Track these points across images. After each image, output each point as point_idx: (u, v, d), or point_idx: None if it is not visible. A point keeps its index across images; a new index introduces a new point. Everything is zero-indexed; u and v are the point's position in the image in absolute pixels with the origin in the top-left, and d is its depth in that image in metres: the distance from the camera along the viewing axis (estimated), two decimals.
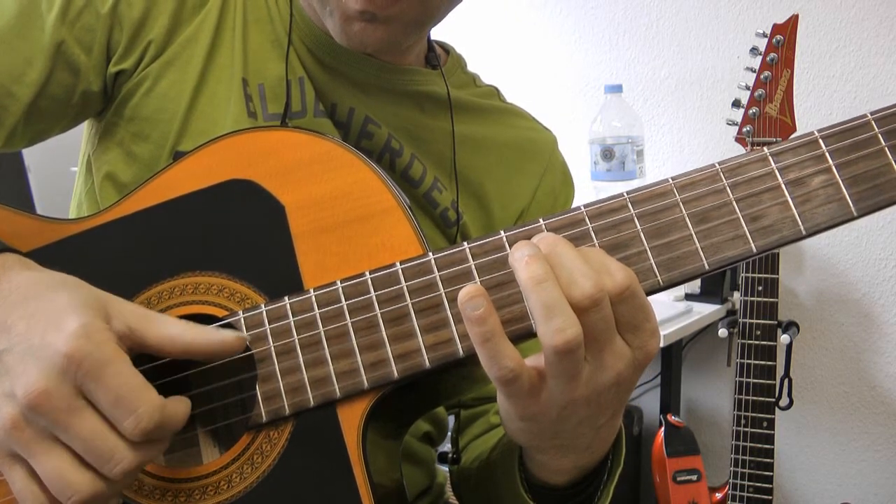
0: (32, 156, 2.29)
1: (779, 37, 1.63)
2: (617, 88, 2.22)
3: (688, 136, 2.37)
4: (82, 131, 0.91)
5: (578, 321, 0.53)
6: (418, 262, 0.62)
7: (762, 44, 1.65)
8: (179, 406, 0.58)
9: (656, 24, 2.37)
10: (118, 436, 0.54)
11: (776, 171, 0.59)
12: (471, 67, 1.01)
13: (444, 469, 1.02)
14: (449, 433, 0.99)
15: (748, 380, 1.72)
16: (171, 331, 0.59)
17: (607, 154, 2.17)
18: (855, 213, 0.58)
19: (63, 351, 0.52)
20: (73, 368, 0.52)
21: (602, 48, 2.48)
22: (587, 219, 0.60)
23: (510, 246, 0.61)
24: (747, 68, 1.68)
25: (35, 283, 0.58)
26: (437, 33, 0.96)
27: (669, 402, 2.20)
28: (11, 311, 0.56)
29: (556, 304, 0.52)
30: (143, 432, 0.54)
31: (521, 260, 0.53)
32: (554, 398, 0.56)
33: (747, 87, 1.68)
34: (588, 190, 2.16)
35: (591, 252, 0.56)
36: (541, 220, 0.61)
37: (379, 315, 0.62)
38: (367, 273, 0.63)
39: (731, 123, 1.70)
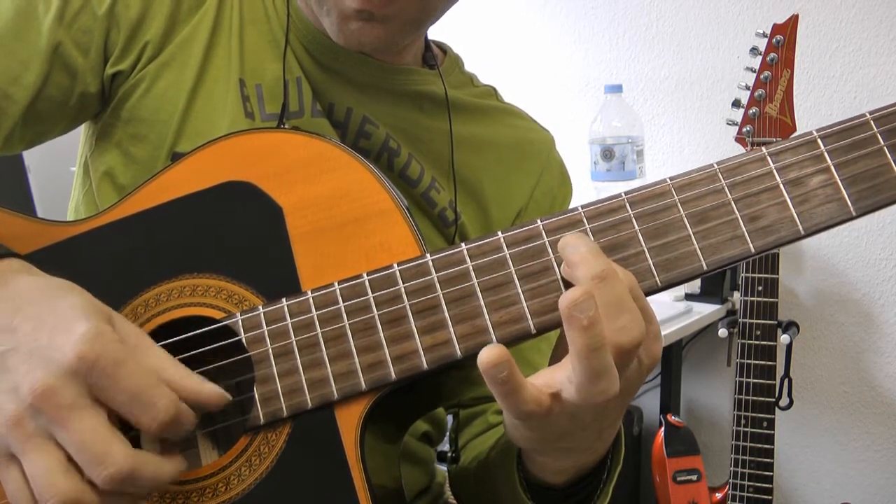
0: (32, 156, 2.29)
1: (779, 37, 1.63)
2: (617, 88, 2.22)
3: (688, 136, 2.36)
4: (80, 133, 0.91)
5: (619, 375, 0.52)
6: (416, 263, 0.62)
7: (762, 44, 1.65)
8: (190, 411, 0.58)
9: (656, 24, 2.36)
10: (116, 441, 0.53)
11: (774, 171, 0.59)
12: (471, 67, 1.01)
13: (443, 468, 1.01)
14: (447, 432, 0.99)
15: (748, 380, 1.72)
16: (162, 363, 0.58)
17: (607, 154, 2.17)
18: (854, 213, 0.58)
19: (74, 352, 0.52)
20: (85, 369, 0.52)
21: (602, 48, 2.48)
22: (585, 219, 0.60)
23: (507, 247, 0.60)
24: (747, 68, 1.67)
25: (39, 287, 0.58)
26: (438, 33, 0.96)
27: (669, 402, 2.20)
28: (16, 314, 0.56)
29: (606, 368, 0.51)
30: (161, 425, 0.54)
31: (580, 320, 0.50)
32: (565, 414, 0.55)
33: (747, 87, 1.67)
34: (588, 190, 2.16)
35: None
36: (539, 220, 0.61)
37: (376, 316, 0.62)
38: (365, 275, 0.63)
39: (731, 123, 1.70)
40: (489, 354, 0.51)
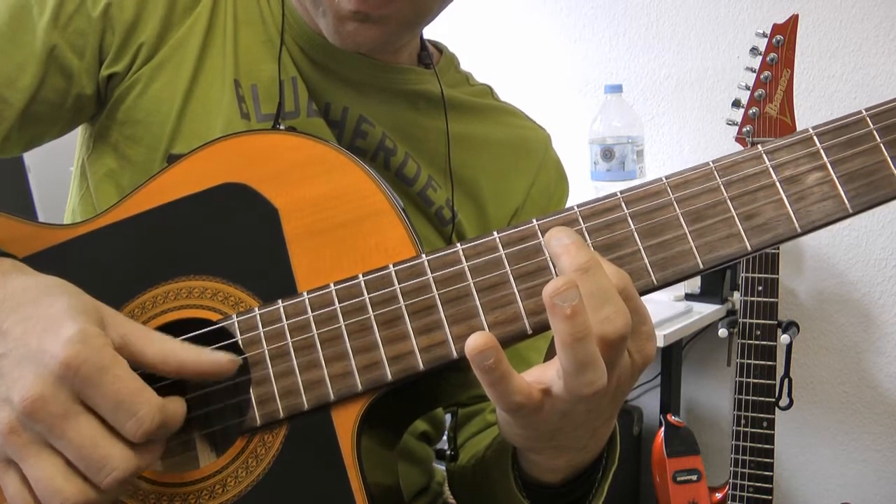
0: (32, 156, 2.29)
1: (779, 37, 1.63)
2: (617, 88, 2.22)
3: (688, 136, 2.36)
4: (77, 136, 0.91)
5: (606, 368, 0.52)
6: (411, 263, 0.62)
7: (762, 44, 1.65)
8: (177, 405, 0.58)
9: (656, 24, 2.37)
10: (113, 443, 0.53)
11: (770, 169, 0.59)
12: (471, 67, 1.01)
13: (441, 468, 1.01)
14: (446, 431, 0.99)
15: (748, 380, 1.72)
16: (165, 347, 0.58)
17: (607, 154, 2.17)
18: (850, 210, 0.57)
19: (60, 357, 0.52)
20: (70, 375, 0.52)
21: (602, 48, 2.49)
22: (580, 219, 0.60)
23: (503, 246, 0.60)
24: (747, 68, 1.68)
25: (30, 287, 0.58)
26: (439, 33, 0.96)
27: (669, 402, 2.20)
28: (7, 317, 0.56)
29: (592, 359, 0.51)
30: (145, 433, 0.54)
31: (563, 309, 0.50)
32: (556, 410, 0.55)
33: (747, 87, 1.68)
34: (588, 190, 2.16)
35: None
36: (534, 220, 0.61)
37: (372, 317, 0.61)
38: (361, 275, 0.63)
39: (731, 123, 1.70)
40: (476, 341, 0.51)
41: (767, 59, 1.64)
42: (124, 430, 0.54)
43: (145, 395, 0.54)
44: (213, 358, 0.60)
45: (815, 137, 0.59)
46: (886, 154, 0.57)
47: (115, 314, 0.59)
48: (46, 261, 0.67)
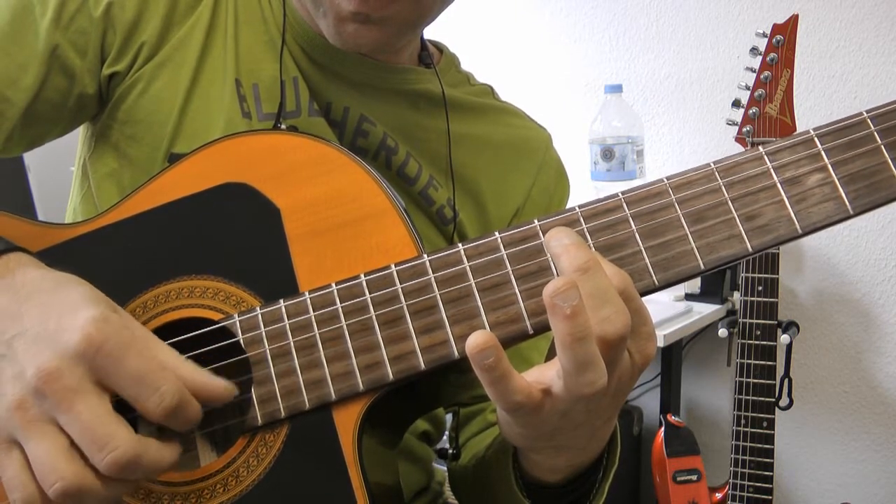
0: (32, 156, 2.29)
1: (779, 37, 1.63)
2: (617, 88, 2.23)
3: (688, 136, 2.36)
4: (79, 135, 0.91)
5: (606, 367, 0.52)
6: (413, 263, 0.62)
7: (762, 44, 1.65)
8: (193, 399, 0.58)
9: (656, 24, 2.37)
10: (120, 424, 0.53)
11: (771, 170, 0.59)
12: (471, 67, 1.01)
13: (442, 468, 1.02)
14: (447, 431, 0.99)
15: (748, 380, 1.72)
16: (164, 358, 0.58)
17: (607, 154, 2.17)
18: (851, 212, 0.58)
19: (81, 334, 0.53)
20: (92, 352, 0.53)
21: (602, 48, 2.49)
22: (582, 219, 0.60)
23: (504, 247, 0.60)
24: (747, 68, 1.68)
25: (46, 278, 0.59)
26: (440, 33, 0.96)
27: (669, 402, 2.21)
28: (24, 302, 0.56)
29: (592, 359, 0.51)
30: (166, 409, 0.54)
31: (563, 309, 0.50)
32: (556, 410, 0.55)
33: (747, 87, 1.68)
34: (588, 190, 2.16)
35: None
36: (535, 220, 0.61)
37: (374, 317, 0.62)
38: (362, 275, 0.63)
39: (731, 123, 1.70)
40: (476, 339, 0.51)
41: (767, 59, 1.65)
42: (146, 406, 0.54)
43: (166, 372, 0.55)
44: (212, 381, 0.59)
45: (816, 139, 0.59)
46: (887, 156, 0.58)
47: (126, 314, 0.59)
48: (48, 260, 0.67)
